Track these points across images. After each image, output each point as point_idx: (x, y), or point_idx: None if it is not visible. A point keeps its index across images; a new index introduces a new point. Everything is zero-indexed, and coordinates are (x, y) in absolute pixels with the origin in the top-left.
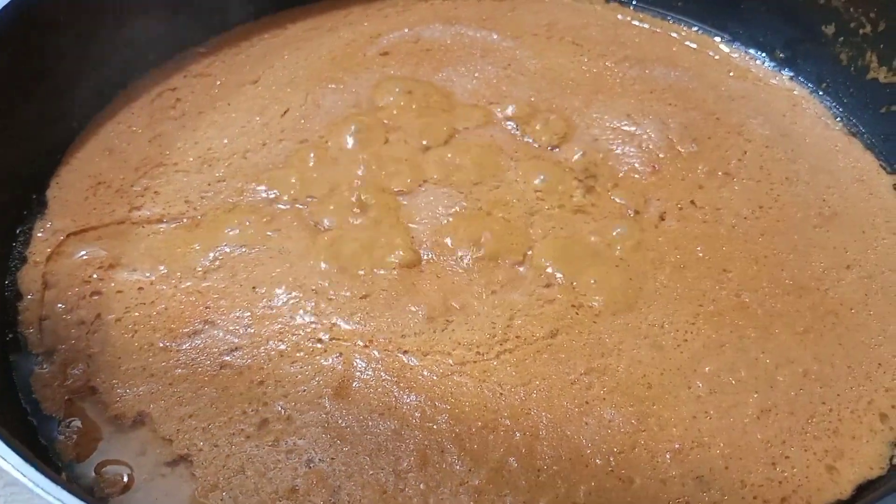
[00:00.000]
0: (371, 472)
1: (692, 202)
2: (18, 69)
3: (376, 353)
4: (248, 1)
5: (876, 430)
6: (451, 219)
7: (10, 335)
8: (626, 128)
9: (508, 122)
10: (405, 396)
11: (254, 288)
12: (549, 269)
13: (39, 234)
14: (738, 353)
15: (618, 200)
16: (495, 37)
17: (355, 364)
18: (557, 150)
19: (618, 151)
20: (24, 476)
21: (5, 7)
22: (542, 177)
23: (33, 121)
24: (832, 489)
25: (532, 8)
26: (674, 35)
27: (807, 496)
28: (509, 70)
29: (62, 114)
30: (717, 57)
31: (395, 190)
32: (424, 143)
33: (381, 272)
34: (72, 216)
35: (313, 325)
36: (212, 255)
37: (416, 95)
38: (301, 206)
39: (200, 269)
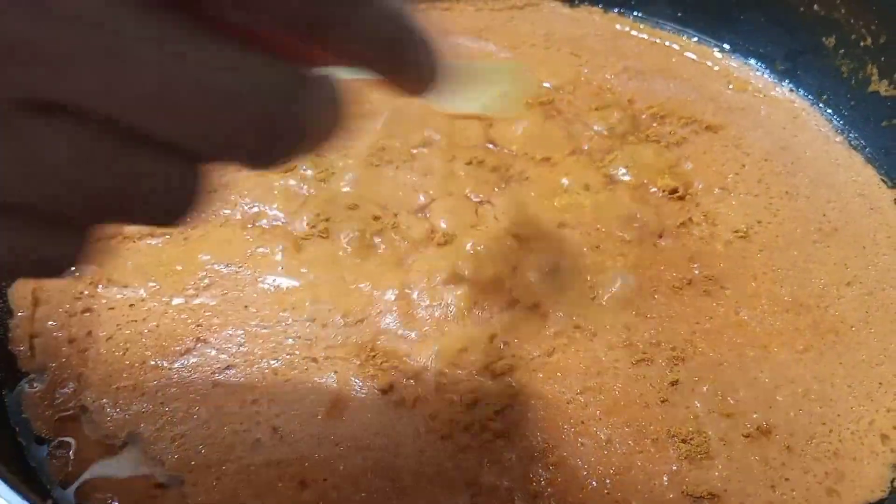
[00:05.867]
0: (364, 494)
1: (690, 219)
2: None
3: (371, 371)
4: None
5: (877, 452)
6: (449, 238)
7: (0, 353)
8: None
9: (505, 137)
10: (400, 415)
11: (246, 306)
12: (542, 288)
13: None
14: (737, 373)
15: (613, 217)
16: (492, 47)
17: (350, 382)
18: (554, 164)
19: (612, 170)
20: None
21: None
22: (534, 192)
23: None
24: None
25: (529, 18)
26: (673, 46)
27: None
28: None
29: None
30: (716, 68)
31: (390, 206)
32: (423, 158)
33: (376, 293)
34: None
35: (307, 344)
36: (202, 272)
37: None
38: (296, 222)
39: (191, 286)
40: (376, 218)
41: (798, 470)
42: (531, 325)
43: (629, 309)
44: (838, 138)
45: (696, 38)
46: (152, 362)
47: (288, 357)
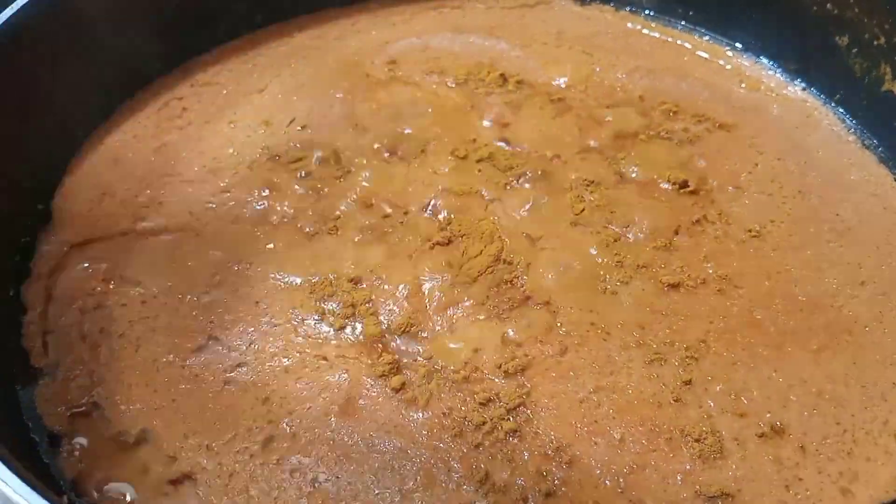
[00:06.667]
0: (377, 492)
1: (704, 216)
2: (22, 79)
3: (383, 369)
4: (254, 9)
5: (891, 453)
6: (460, 236)
7: (14, 349)
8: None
9: (517, 135)
10: (412, 414)
11: (256, 303)
12: (555, 286)
13: (44, 246)
14: (750, 372)
15: (626, 215)
16: (504, 45)
17: (362, 381)
18: (566, 162)
19: (624, 167)
20: (25, 500)
21: (7, 18)
22: (545, 190)
23: (38, 131)
24: None
25: (541, 16)
26: (685, 45)
27: None
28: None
29: (67, 124)
30: (728, 67)
31: (401, 203)
32: (435, 155)
33: (388, 290)
34: (76, 228)
35: (318, 342)
36: (214, 268)
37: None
38: (305, 220)
39: (203, 282)
40: (386, 216)
41: (812, 470)
42: (544, 324)
43: (643, 308)
44: (851, 137)
45: (707, 37)
46: (164, 359)
47: (299, 355)
